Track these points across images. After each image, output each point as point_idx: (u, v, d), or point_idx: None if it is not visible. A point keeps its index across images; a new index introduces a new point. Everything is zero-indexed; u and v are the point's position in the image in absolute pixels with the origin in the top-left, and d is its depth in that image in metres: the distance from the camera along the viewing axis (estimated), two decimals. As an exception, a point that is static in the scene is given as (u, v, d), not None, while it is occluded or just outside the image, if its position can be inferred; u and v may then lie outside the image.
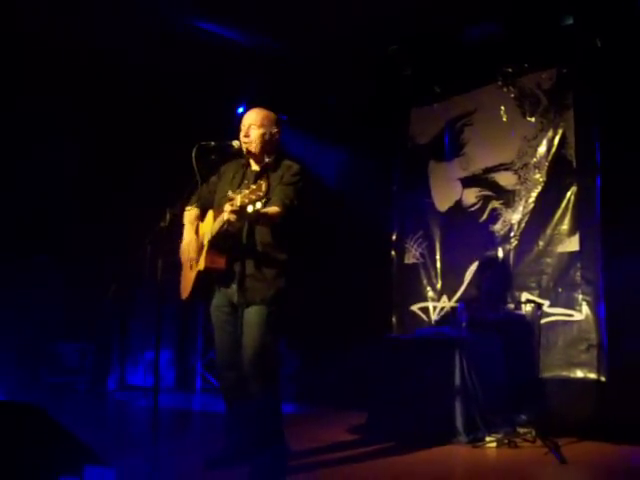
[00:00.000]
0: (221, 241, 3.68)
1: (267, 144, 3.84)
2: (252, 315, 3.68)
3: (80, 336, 7.52)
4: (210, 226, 3.72)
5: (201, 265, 3.71)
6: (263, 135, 3.81)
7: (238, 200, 3.24)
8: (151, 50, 6.48)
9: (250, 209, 3.22)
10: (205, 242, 3.73)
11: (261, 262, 3.71)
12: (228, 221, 3.44)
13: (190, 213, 3.97)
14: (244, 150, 3.82)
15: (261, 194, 3.21)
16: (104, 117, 7.04)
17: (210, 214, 3.81)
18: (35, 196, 7.00)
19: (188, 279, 3.92)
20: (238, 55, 6.63)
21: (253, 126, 3.81)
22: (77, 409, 6.24)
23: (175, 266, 4.01)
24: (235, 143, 3.79)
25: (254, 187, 3.23)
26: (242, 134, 3.82)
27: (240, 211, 3.27)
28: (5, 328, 6.60)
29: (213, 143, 3.72)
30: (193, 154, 3.58)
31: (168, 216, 3.61)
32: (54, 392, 6.95)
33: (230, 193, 3.45)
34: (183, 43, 6.37)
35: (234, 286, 3.74)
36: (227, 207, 3.36)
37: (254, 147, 3.80)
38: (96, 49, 6.35)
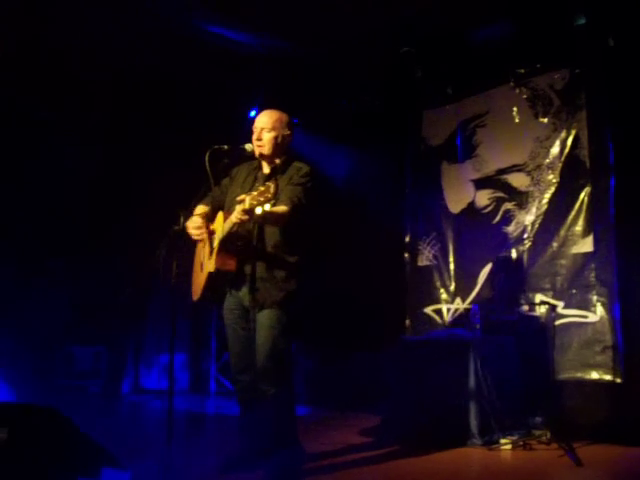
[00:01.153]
0: (231, 243, 3.68)
1: (279, 147, 3.85)
2: (264, 318, 3.68)
3: (94, 339, 7.56)
4: (220, 227, 3.71)
5: (211, 267, 3.69)
6: (275, 138, 3.82)
7: (247, 202, 3.24)
8: (162, 54, 6.51)
9: (259, 211, 3.22)
10: (215, 244, 3.72)
11: (272, 264, 3.71)
12: (237, 223, 3.44)
13: (200, 211, 3.95)
14: (256, 153, 3.83)
15: (270, 196, 3.20)
16: (117, 121, 7.09)
17: (220, 216, 3.80)
18: (49, 200, 7.05)
19: (199, 281, 3.92)
20: (251, 58, 6.66)
21: (265, 129, 3.81)
22: (91, 412, 6.27)
23: (189, 269, 4.03)
24: (248, 146, 3.80)
25: (262, 189, 3.22)
26: (254, 137, 3.82)
27: (249, 213, 3.28)
28: (20, 331, 6.64)
29: (226, 147, 3.73)
30: (206, 158, 3.59)
31: (182, 219, 3.62)
32: (68, 395, 6.99)
33: (240, 196, 3.46)
34: (195, 47, 6.40)
35: (245, 289, 3.74)
36: (237, 208, 3.36)
37: (266, 150, 3.81)
38: (105, 53, 6.38)
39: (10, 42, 6.07)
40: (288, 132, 3.88)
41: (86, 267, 7.46)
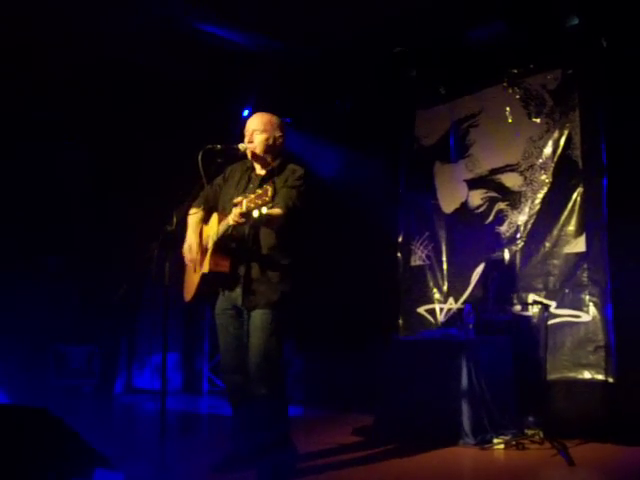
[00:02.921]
0: (226, 244, 3.69)
1: (271, 148, 3.86)
2: (257, 319, 3.69)
3: (87, 339, 7.54)
4: (215, 229, 3.72)
5: (205, 268, 3.71)
6: (267, 140, 3.84)
7: (244, 205, 3.25)
8: (155, 52, 6.49)
9: (256, 214, 3.23)
10: (210, 245, 3.73)
11: (266, 266, 3.72)
12: (233, 225, 3.45)
13: (195, 216, 3.98)
14: (249, 154, 3.84)
15: (267, 199, 3.22)
16: (112, 121, 7.07)
17: (215, 217, 3.81)
18: (43, 199, 7.03)
19: (192, 281, 3.92)
20: (243, 58, 6.65)
21: (256, 131, 3.84)
22: (84, 412, 6.25)
23: (182, 269, 4.02)
24: (241, 146, 3.81)
25: (260, 192, 3.24)
26: (246, 140, 3.84)
27: (245, 216, 3.29)
28: (13, 330, 6.62)
29: (219, 146, 3.73)
30: (199, 157, 3.59)
31: (175, 219, 3.63)
32: (61, 395, 6.97)
33: (236, 198, 3.46)
34: (188, 45, 6.38)
35: (238, 290, 3.75)
36: (234, 211, 3.37)
37: (258, 150, 3.83)
38: (101, 52, 6.37)
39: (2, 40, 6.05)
40: (280, 134, 3.90)
41: (79, 267, 7.44)
